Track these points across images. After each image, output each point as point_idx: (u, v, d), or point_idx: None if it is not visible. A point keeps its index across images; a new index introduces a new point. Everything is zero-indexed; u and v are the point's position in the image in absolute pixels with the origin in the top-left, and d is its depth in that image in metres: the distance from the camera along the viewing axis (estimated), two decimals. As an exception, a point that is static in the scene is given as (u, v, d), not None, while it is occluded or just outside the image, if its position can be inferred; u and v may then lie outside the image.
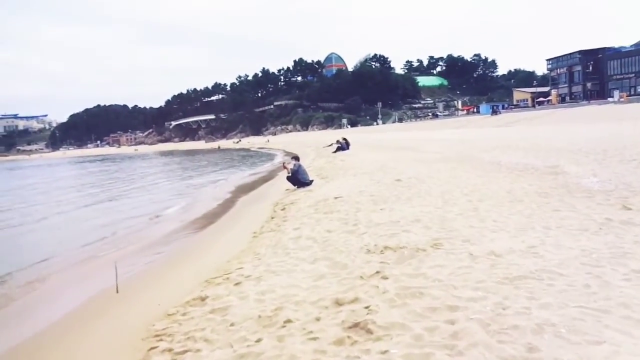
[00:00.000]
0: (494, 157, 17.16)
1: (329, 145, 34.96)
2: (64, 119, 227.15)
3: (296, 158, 13.95)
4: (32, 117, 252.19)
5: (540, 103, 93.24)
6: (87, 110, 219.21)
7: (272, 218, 9.14)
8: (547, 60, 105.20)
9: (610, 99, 70.89)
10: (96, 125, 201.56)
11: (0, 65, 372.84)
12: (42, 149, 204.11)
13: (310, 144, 57.26)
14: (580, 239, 4.93)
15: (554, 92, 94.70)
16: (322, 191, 11.40)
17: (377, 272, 4.44)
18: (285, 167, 13.62)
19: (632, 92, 75.98)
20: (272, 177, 21.68)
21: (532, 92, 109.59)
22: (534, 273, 3.89)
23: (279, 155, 43.52)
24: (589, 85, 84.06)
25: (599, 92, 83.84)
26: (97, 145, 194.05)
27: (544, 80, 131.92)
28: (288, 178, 13.54)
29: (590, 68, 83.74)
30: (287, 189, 13.85)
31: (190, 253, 7.93)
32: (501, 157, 17.16)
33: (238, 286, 4.85)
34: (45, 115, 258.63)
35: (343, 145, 30.02)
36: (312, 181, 13.58)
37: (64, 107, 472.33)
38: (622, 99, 65.36)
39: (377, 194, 9.81)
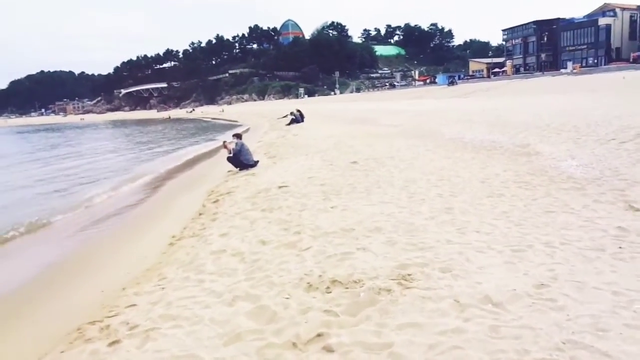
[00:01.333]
0: (457, 133, 15.89)
1: (284, 117, 33.04)
2: (3, 85, 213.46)
3: (238, 136, 12.14)
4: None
5: (495, 74, 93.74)
6: (29, 76, 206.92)
7: (200, 215, 7.45)
8: (502, 30, 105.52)
9: (563, 70, 71.56)
10: (40, 93, 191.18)
11: None
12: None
13: (265, 114, 54.95)
14: (602, 269, 3.56)
15: (509, 62, 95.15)
16: (267, 176, 9.75)
17: (319, 334, 2.91)
18: (225, 147, 11.82)
19: (584, 64, 77.07)
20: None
21: (487, 63, 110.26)
22: (561, 349, 2.45)
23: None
24: (543, 56, 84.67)
25: (552, 63, 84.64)
26: (42, 114, 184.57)
27: (498, 50, 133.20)
28: (229, 159, 11.77)
29: (545, 39, 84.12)
30: (229, 171, 12.11)
31: (71, 274, 5.80)
32: (465, 132, 15.92)
33: (112, 349, 3.22)
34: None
35: (297, 118, 28.24)
36: (257, 162, 11.88)
37: (4, 73, 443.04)
38: (574, 71, 66.00)
39: (329, 181, 8.26)
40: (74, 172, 17.22)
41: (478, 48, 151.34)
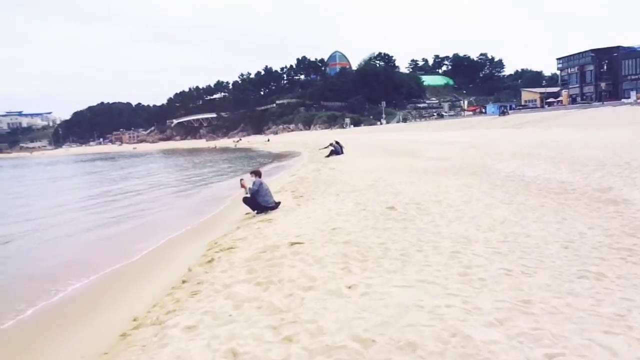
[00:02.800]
0: (515, 170, 13.71)
1: (325, 148, 31.55)
2: (67, 116, 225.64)
3: (256, 173, 10.49)
4: (36, 115, 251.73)
5: (550, 104, 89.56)
6: (90, 107, 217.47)
7: (183, 283, 5.75)
8: (557, 59, 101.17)
9: (625, 100, 67.07)
10: (99, 123, 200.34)
11: (5, 61, 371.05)
12: (45, 147, 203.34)
13: (308, 144, 53.79)
14: None
15: (564, 92, 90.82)
16: (284, 224, 8.02)
17: None
18: (242, 186, 10.21)
19: (647, 94, 72.11)
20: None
21: (541, 93, 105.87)
22: None
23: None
24: (602, 85, 80.00)
25: (611, 93, 79.82)
26: (100, 143, 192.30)
27: (551, 80, 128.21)
28: (245, 200, 10.16)
29: (605, 67, 79.65)
30: (247, 213, 10.46)
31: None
32: (525, 169, 13.72)
33: None
34: (50, 113, 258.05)
35: (337, 149, 26.61)
36: (278, 204, 10.18)
37: (68, 104, 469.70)
38: (639, 101, 61.53)
39: (356, 236, 6.43)
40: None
41: (530, 78, 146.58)
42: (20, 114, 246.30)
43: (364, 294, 4.12)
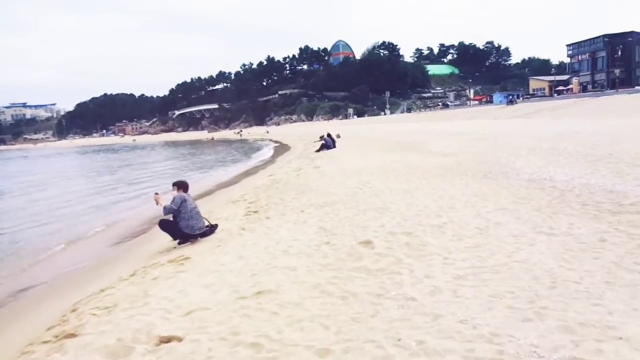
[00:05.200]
0: (538, 170, 10.76)
1: (317, 141, 28.63)
2: (71, 107, 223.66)
3: (180, 186, 7.26)
4: (40, 106, 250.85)
5: (559, 92, 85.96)
6: (94, 99, 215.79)
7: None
8: (567, 45, 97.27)
9: (640, 87, 63.55)
10: (103, 115, 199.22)
11: (9, 52, 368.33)
12: (48, 138, 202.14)
13: (307, 136, 50.72)
14: None
15: (575, 80, 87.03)
16: (192, 276, 5.13)
17: None
18: (157, 202, 7.15)
19: (664, 80, 68.51)
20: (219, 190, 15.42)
21: (549, 81, 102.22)
22: None
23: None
24: (616, 72, 76.20)
25: (624, 80, 76.04)
26: (103, 135, 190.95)
27: (559, 68, 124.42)
28: (161, 224, 7.22)
29: (620, 52, 75.85)
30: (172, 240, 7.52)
31: None
32: (551, 170, 10.77)
33: None
34: (54, 104, 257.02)
35: (328, 143, 23.67)
36: (212, 228, 7.27)
37: (72, 96, 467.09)
38: (657, 87, 57.99)
39: (293, 310, 3.58)
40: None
41: (538, 66, 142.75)
42: (24, 105, 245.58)
43: None
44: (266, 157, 31.23)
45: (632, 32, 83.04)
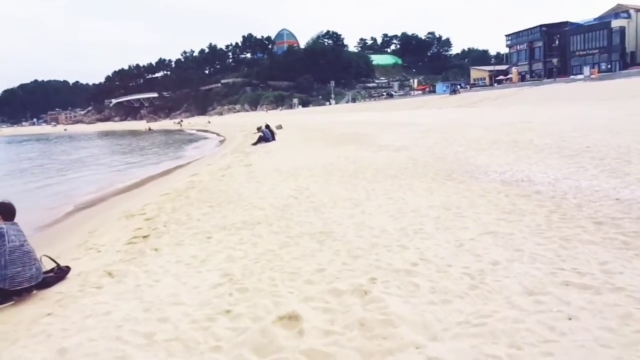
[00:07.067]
0: (509, 168, 8.93)
1: (255, 133, 26.14)
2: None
3: (5, 211, 4.60)
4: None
5: (499, 82, 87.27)
6: (22, 85, 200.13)
7: None
8: (506, 36, 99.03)
9: (578, 76, 64.98)
10: (33, 102, 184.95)
11: None
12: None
13: (248, 127, 47.84)
14: None
15: (514, 69, 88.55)
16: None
17: None
18: None
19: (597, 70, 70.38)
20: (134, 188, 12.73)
21: (489, 71, 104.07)
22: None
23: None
24: (554, 61, 77.89)
25: (560, 70, 77.89)
26: (34, 124, 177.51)
27: (498, 58, 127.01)
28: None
29: (557, 42, 77.50)
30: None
31: None
32: (522, 167, 8.97)
33: None
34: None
35: (266, 135, 21.24)
36: (57, 272, 4.70)
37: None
38: (592, 76, 59.24)
39: None
40: None
41: (477, 56, 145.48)
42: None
43: None
44: (195, 153, 28.36)
45: (566, 23, 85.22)
